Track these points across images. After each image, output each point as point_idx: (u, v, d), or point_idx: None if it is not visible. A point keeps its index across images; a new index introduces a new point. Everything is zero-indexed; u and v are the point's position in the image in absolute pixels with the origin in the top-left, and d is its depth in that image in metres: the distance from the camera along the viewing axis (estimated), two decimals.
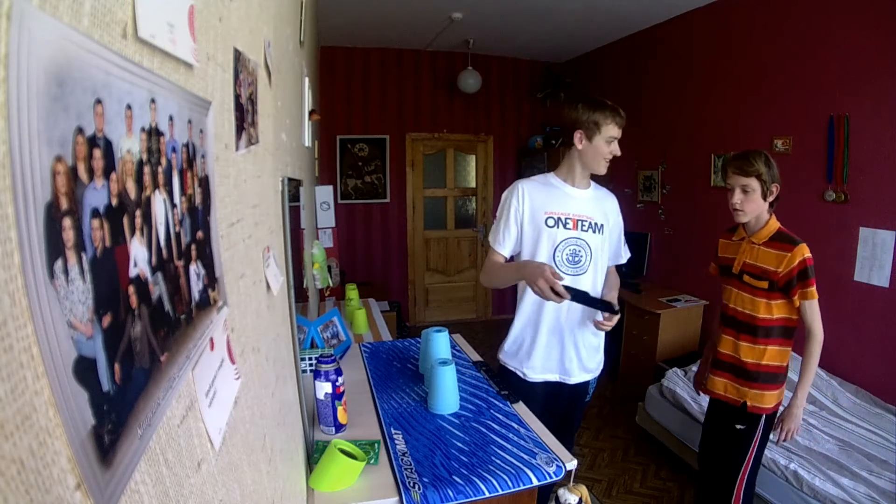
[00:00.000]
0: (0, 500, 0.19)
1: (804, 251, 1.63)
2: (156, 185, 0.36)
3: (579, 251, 1.66)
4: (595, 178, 1.75)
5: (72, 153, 0.25)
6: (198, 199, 0.46)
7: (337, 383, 1.26)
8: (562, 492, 1.18)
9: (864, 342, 2.66)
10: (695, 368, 2.69)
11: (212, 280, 0.49)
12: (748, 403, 1.74)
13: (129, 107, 0.31)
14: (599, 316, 1.63)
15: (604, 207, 1.74)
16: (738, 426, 1.77)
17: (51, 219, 0.23)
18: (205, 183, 0.48)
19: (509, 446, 1.23)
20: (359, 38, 4.65)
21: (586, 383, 1.78)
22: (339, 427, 1.29)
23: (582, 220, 1.67)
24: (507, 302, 5.51)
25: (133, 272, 0.31)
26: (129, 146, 0.31)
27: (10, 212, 0.20)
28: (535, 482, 1.12)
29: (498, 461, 1.16)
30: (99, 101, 0.27)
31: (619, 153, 1.64)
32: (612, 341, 3.00)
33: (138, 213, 0.33)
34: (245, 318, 0.64)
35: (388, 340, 2.21)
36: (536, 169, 4.93)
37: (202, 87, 0.48)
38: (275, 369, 0.84)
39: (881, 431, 2.30)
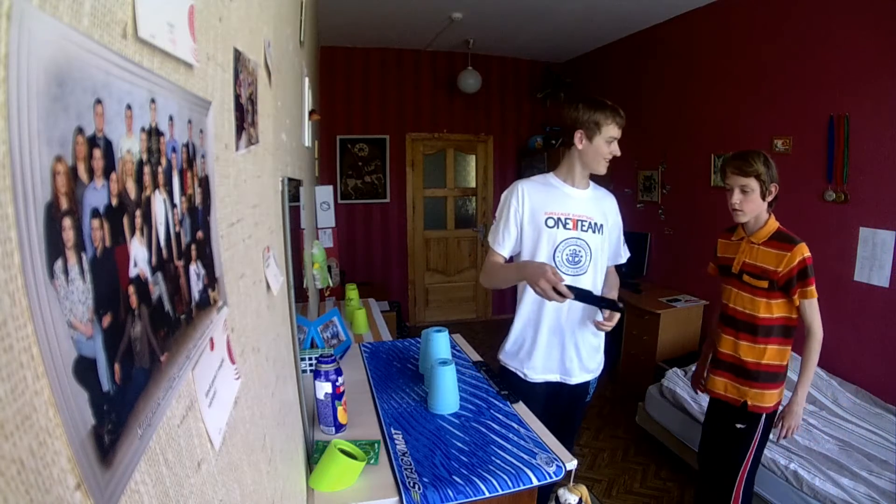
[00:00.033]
0: (0, 500, 0.19)
1: (804, 250, 1.63)
2: (156, 185, 0.36)
3: (579, 251, 1.66)
4: (594, 178, 1.75)
5: (72, 153, 0.25)
6: (198, 199, 0.46)
7: (337, 383, 1.26)
8: (562, 492, 1.18)
9: (864, 342, 2.66)
10: (694, 368, 2.69)
11: (212, 280, 0.49)
12: (748, 403, 1.74)
13: (129, 107, 0.31)
14: (600, 316, 1.63)
15: (603, 207, 1.74)
16: (739, 425, 1.77)
17: (51, 219, 0.23)
18: (205, 183, 0.48)
19: (509, 446, 1.23)
20: (359, 38, 4.65)
21: (587, 383, 1.78)
22: (339, 427, 1.29)
23: (582, 221, 1.67)
24: (507, 302, 5.51)
25: (133, 272, 0.31)
26: (129, 146, 0.31)
27: (10, 212, 0.20)
28: (535, 482, 1.12)
29: (498, 461, 1.16)
30: (99, 101, 0.27)
31: (618, 153, 1.64)
32: (612, 341, 3.00)
33: (138, 213, 0.33)
34: (245, 318, 0.64)
35: (388, 340, 2.21)
36: (536, 169, 4.93)
37: (202, 87, 0.48)
38: (275, 369, 0.84)
39: (881, 431, 2.30)
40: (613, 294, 1.75)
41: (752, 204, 1.70)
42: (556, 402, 1.75)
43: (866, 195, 2.61)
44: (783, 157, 2.94)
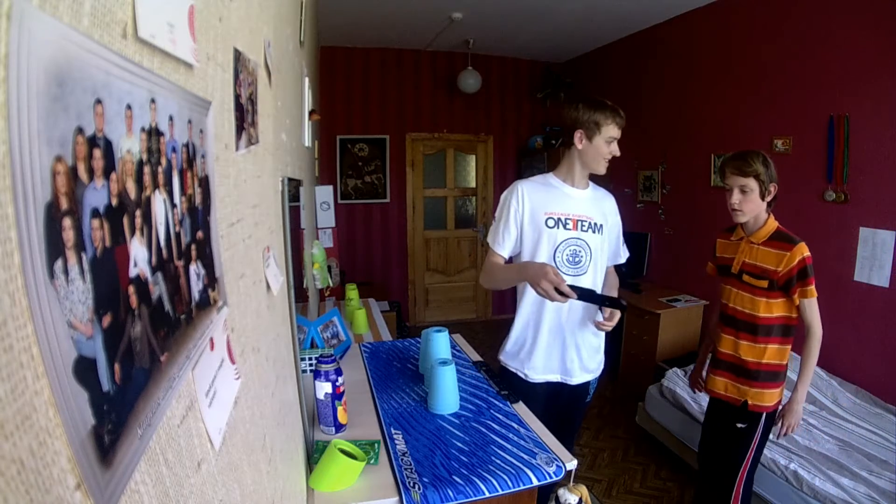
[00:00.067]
0: (0, 499, 0.19)
1: (803, 250, 1.64)
2: (156, 185, 0.36)
3: (579, 251, 1.66)
4: (594, 178, 1.76)
5: (72, 153, 0.25)
6: (198, 199, 0.46)
7: (337, 383, 1.26)
8: (562, 492, 1.18)
9: (864, 342, 2.66)
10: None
11: (212, 280, 0.49)
12: (749, 402, 1.74)
13: (129, 107, 0.31)
14: (600, 316, 1.63)
15: (602, 207, 1.74)
16: (739, 425, 1.77)
17: (51, 219, 0.23)
18: (205, 183, 0.48)
19: (509, 446, 1.23)
20: (359, 38, 4.65)
21: (587, 384, 1.78)
22: (339, 427, 1.29)
23: (582, 221, 1.67)
24: (507, 302, 5.51)
25: (133, 272, 0.31)
26: (129, 146, 0.31)
27: (10, 212, 0.20)
28: (535, 482, 1.12)
29: (498, 461, 1.16)
30: (99, 101, 0.27)
31: (618, 153, 1.64)
32: (612, 341, 3.00)
33: (138, 213, 0.33)
34: (245, 318, 0.64)
35: (388, 340, 2.21)
36: (536, 169, 4.93)
37: (202, 87, 0.48)
38: (275, 369, 0.84)
39: (881, 431, 2.30)
40: (614, 293, 1.75)
41: (751, 204, 1.70)
42: (556, 402, 1.75)
43: (866, 195, 2.61)
44: (783, 157, 2.94)
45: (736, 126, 3.35)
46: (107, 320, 0.27)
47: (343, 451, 1.07)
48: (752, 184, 1.68)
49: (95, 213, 0.27)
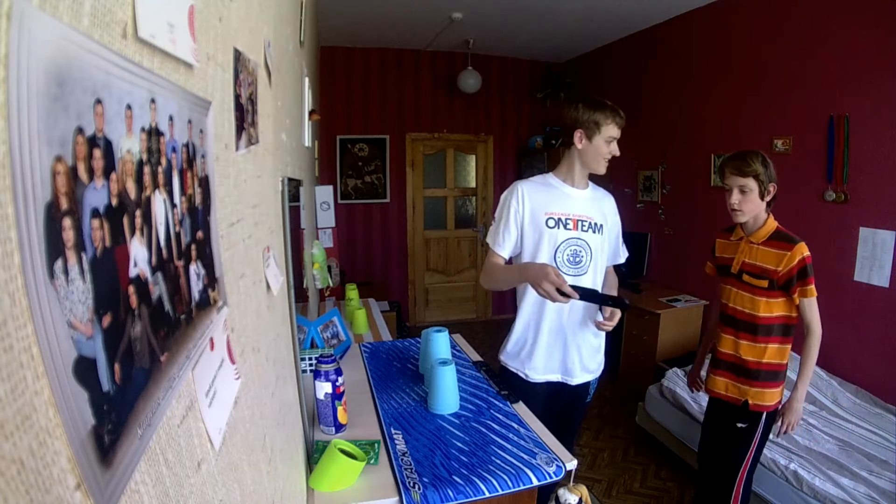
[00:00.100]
0: (0, 499, 0.19)
1: (803, 250, 1.64)
2: (156, 185, 0.36)
3: (580, 251, 1.66)
4: (593, 178, 1.76)
5: (72, 153, 0.25)
6: (198, 199, 0.46)
7: (337, 383, 1.26)
8: (562, 492, 1.18)
9: (864, 342, 2.66)
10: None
11: (212, 280, 0.49)
12: (750, 402, 1.74)
13: (129, 107, 0.31)
14: (600, 316, 1.63)
15: (602, 207, 1.74)
16: (740, 425, 1.77)
17: (51, 219, 0.23)
18: (205, 183, 0.48)
19: (509, 446, 1.23)
20: (359, 38, 4.65)
21: (587, 384, 1.78)
22: (339, 427, 1.29)
23: (582, 221, 1.67)
24: (507, 302, 5.51)
25: (133, 272, 0.31)
26: (129, 146, 0.31)
27: (10, 212, 0.20)
28: (535, 482, 1.12)
29: (498, 461, 1.16)
30: (99, 101, 0.27)
31: (618, 153, 1.64)
32: (613, 341, 3.00)
33: (138, 213, 0.33)
34: (245, 318, 0.64)
35: (388, 340, 2.21)
36: (536, 169, 4.93)
37: (202, 87, 0.48)
38: (275, 369, 0.84)
39: (881, 431, 2.30)
40: (614, 293, 1.75)
41: (750, 204, 1.70)
42: (556, 402, 1.75)
43: (866, 195, 2.61)
44: (783, 157, 2.94)
45: (736, 126, 3.35)
46: (107, 320, 0.27)
47: (343, 451, 1.07)
48: (751, 184, 1.68)
49: (95, 213, 0.27)
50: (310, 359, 1.58)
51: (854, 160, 2.66)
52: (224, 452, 0.49)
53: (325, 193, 3.47)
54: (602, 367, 1.82)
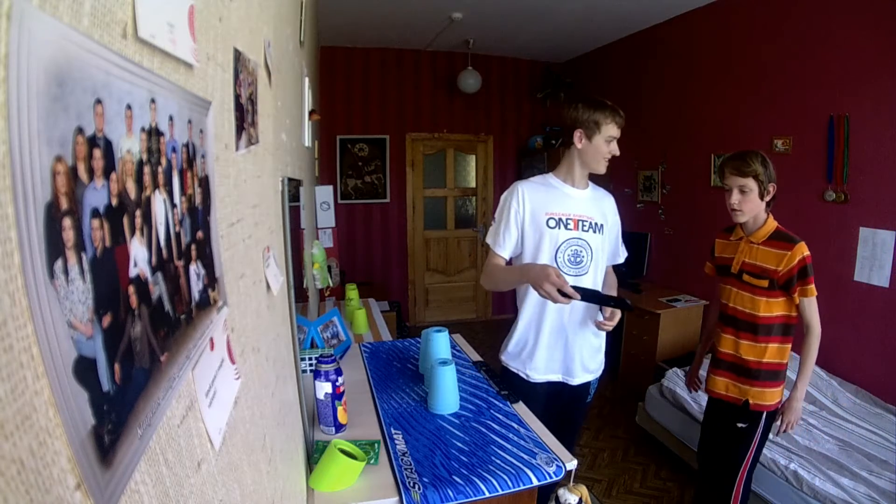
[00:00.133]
0: (0, 499, 0.19)
1: (803, 249, 1.64)
2: (156, 185, 0.36)
3: (581, 251, 1.66)
4: (594, 178, 1.76)
5: (72, 153, 0.25)
6: (198, 199, 0.46)
7: (337, 383, 1.26)
8: (562, 492, 1.18)
9: (864, 342, 2.66)
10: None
11: (212, 280, 0.49)
12: (750, 402, 1.74)
13: (129, 107, 0.31)
14: (601, 316, 1.63)
15: (602, 207, 1.74)
16: (740, 424, 1.77)
17: (51, 219, 0.23)
18: (205, 183, 0.48)
19: (509, 446, 1.23)
20: (359, 38, 4.65)
21: (587, 384, 1.78)
22: (339, 427, 1.29)
23: (582, 221, 1.67)
24: (507, 302, 5.51)
25: (133, 272, 0.31)
26: (129, 146, 0.31)
27: (10, 212, 0.20)
28: (535, 482, 1.12)
29: (498, 461, 1.16)
30: (99, 101, 0.27)
31: (618, 153, 1.64)
32: (613, 342, 2.99)
33: (138, 213, 0.33)
34: (245, 318, 0.64)
35: (388, 340, 2.21)
36: (536, 169, 4.93)
37: (202, 87, 0.48)
38: (275, 369, 0.84)
39: (881, 431, 2.30)
40: (613, 293, 1.75)
41: (750, 204, 1.70)
42: (557, 402, 1.75)
43: (866, 195, 2.61)
44: (783, 157, 2.94)
45: (736, 126, 3.35)
46: (107, 320, 0.27)
47: (343, 451, 1.07)
48: (751, 184, 1.68)
49: (95, 213, 0.27)
50: (310, 359, 1.58)
51: (854, 160, 2.65)
52: (224, 452, 0.49)
53: (325, 193, 3.47)
54: (602, 367, 1.82)
